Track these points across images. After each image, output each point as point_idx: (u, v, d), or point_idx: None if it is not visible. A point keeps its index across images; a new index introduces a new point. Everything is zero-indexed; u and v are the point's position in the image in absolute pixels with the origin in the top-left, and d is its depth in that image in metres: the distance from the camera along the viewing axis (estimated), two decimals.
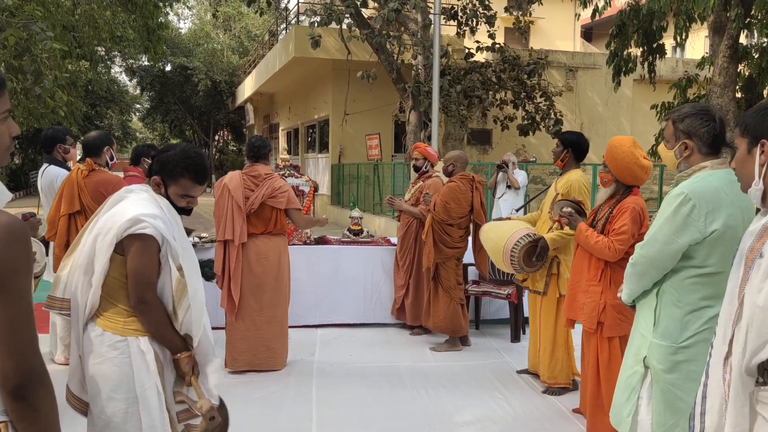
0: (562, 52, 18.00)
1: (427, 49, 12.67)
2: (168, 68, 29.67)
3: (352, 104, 15.36)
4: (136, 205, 2.28)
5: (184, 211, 2.45)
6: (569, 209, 3.79)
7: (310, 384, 4.44)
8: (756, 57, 11.01)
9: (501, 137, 16.31)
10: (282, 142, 23.84)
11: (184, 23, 66.44)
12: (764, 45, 10.67)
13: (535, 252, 4.15)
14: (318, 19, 12.40)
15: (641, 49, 12.14)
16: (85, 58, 14.31)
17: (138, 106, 39.36)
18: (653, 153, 11.31)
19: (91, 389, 2.25)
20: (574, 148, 4.28)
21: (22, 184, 28.94)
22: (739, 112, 9.99)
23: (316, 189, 6.21)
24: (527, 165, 11.06)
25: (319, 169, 19.21)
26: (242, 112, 29.46)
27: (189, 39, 30.79)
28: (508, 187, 8.78)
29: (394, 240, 6.19)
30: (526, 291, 4.66)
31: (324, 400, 4.13)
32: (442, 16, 12.88)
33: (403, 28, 13.29)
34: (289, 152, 22.52)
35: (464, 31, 14.25)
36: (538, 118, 14.74)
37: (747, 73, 11.41)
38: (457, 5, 13.96)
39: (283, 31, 19.47)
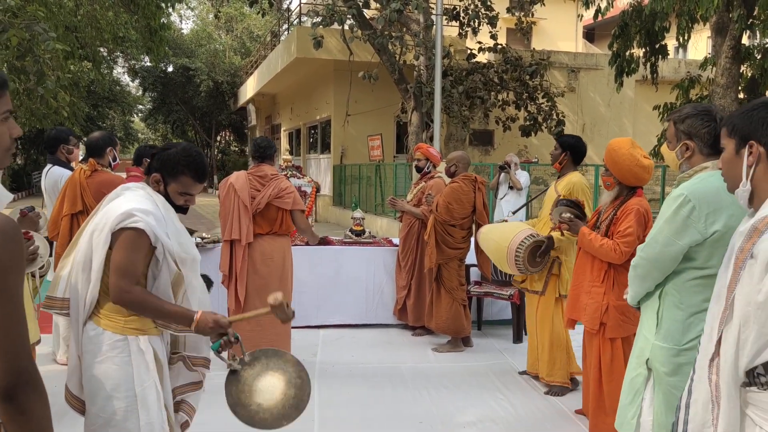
0: (564, 52, 17.99)
1: (429, 49, 12.67)
2: (170, 69, 29.71)
3: (354, 105, 15.36)
4: (130, 201, 2.29)
5: (181, 209, 2.46)
6: (568, 215, 3.78)
7: (313, 384, 4.42)
8: (758, 58, 11.01)
9: (503, 138, 16.31)
10: (284, 143, 23.85)
11: (186, 24, 66.54)
12: (767, 46, 10.66)
13: (538, 252, 4.16)
14: (320, 19, 12.40)
15: (644, 50, 12.13)
16: (87, 58, 14.34)
17: (140, 106, 39.41)
18: (656, 154, 11.31)
19: (91, 388, 2.25)
20: (573, 150, 4.32)
21: (24, 184, 28.99)
22: None
23: (318, 190, 6.23)
24: (529, 166, 11.05)
25: (321, 169, 19.21)
26: (244, 113, 29.48)
27: (191, 40, 30.84)
28: (511, 188, 8.77)
29: (396, 241, 6.19)
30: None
31: (326, 401, 4.14)
32: (444, 17, 12.88)
33: (405, 29, 13.29)
34: (291, 153, 22.51)
35: (466, 31, 14.25)
36: (540, 118, 14.74)
37: (749, 74, 11.40)
38: (460, 6, 13.97)
39: (285, 32, 19.49)
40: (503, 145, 16.40)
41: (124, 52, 23.26)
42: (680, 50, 18.94)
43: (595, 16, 11.91)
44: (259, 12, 16.24)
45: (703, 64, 11.69)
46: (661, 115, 11.93)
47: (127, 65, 30.12)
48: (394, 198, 6.03)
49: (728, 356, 1.50)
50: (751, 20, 10.00)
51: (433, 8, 12.20)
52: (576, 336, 4.40)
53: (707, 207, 2.23)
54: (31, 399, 1.28)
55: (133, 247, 2.22)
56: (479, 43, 14.38)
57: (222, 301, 5.42)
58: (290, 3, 25.47)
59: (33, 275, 3.20)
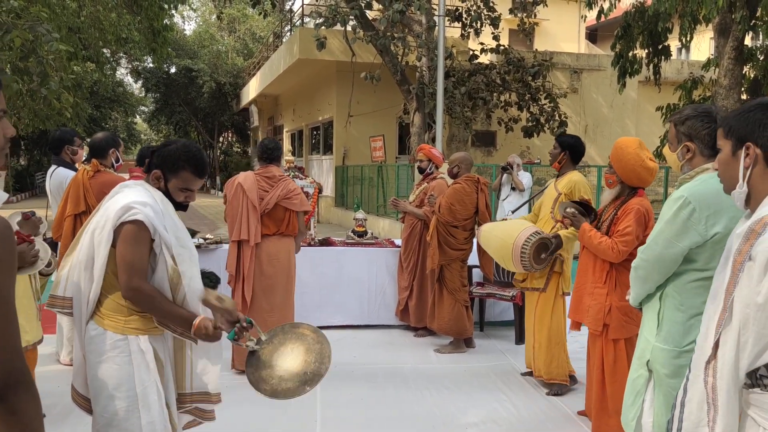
0: (566, 53, 17.97)
1: (431, 50, 12.67)
2: (173, 70, 29.76)
3: (357, 106, 15.37)
4: (127, 196, 2.31)
5: (181, 206, 2.47)
6: (572, 210, 3.79)
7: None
8: (761, 59, 10.99)
9: (505, 139, 16.30)
10: (286, 144, 23.87)
11: (189, 25, 66.66)
12: None
13: (542, 249, 4.17)
14: (323, 20, 12.41)
15: (646, 51, 12.11)
16: (90, 59, 14.38)
17: (143, 108, 39.49)
18: (659, 155, 11.29)
19: (94, 387, 2.27)
20: (572, 150, 4.35)
21: (27, 185, 29.06)
22: None
23: (320, 190, 6.22)
24: (532, 167, 11.05)
25: (323, 170, 19.23)
26: (247, 114, 29.52)
27: (194, 41, 30.90)
28: (513, 188, 8.77)
29: (398, 242, 6.19)
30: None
31: (328, 401, 4.14)
32: (447, 18, 12.89)
33: (407, 30, 13.30)
34: (293, 154, 22.55)
35: (469, 32, 14.25)
36: (542, 119, 14.73)
37: (752, 75, 11.38)
38: (462, 7, 13.96)
39: (288, 33, 19.51)
40: (505, 146, 16.40)
41: (127, 53, 23.30)
42: (683, 51, 18.92)
43: (598, 17, 11.89)
44: (260, 13, 16.24)
45: (706, 65, 11.67)
46: (663, 117, 11.91)
47: (130, 66, 30.19)
48: (396, 199, 6.04)
49: (727, 359, 1.50)
50: (753, 21, 9.99)
51: (435, 9, 12.20)
52: (580, 337, 4.41)
53: (708, 209, 2.23)
54: (23, 399, 1.26)
55: (135, 240, 2.23)
56: (482, 44, 14.37)
57: None
58: (292, 4, 25.50)
59: (34, 276, 3.22)
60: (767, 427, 1.48)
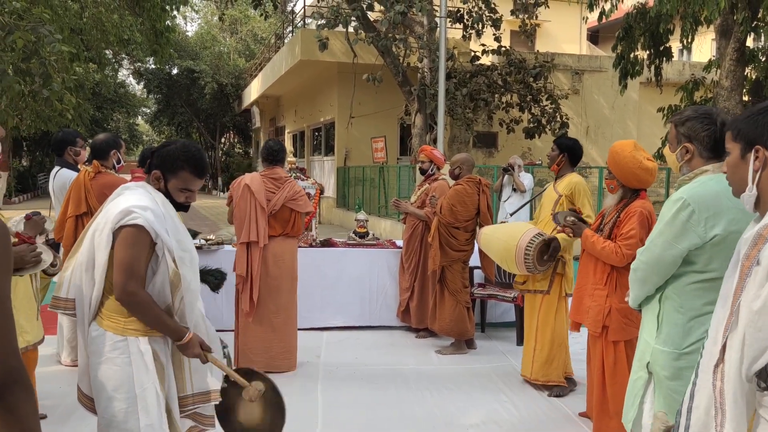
0: (568, 55, 17.97)
1: (432, 52, 12.68)
2: (175, 71, 29.81)
3: (358, 107, 15.38)
4: (128, 199, 2.31)
5: (182, 207, 2.47)
6: (572, 218, 3.81)
7: (316, 386, 4.46)
8: (763, 60, 10.99)
9: (507, 140, 16.30)
10: (288, 145, 23.89)
11: (191, 26, 66.71)
12: None
13: (546, 252, 4.17)
14: (324, 21, 12.43)
15: (648, 52, 12.12)
16: (93, 61, 14.41)
17: (145, 109, 39.54)
18: (660, 156, 11.28)
19: (95, 388, 2.29)
20: (570, 152, 4.38)
21: (29, 186, 29.10)
22: None
23: (321, 192, 6.23)
24: (533, 168, 11.05)
25: (324, 171, 19.24)
26: (248, 115, 29.54)
27: (196, 42, 30.95)
28: (514, 190, 8.77)
29: (399, 243, 6.19)
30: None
31: (329, 402, 4.15)
32: (448, 19, 12.88)
33: (408, 31, 13.30)
34: (295, 155, 22.56)
35: (470, 34, 14.25)
36: (543, 121, 14.73)
37: (754, 76, 11.38)
38: (463, 8, 13.97)
39: (290, 34, 19.53)
40: (507, 147, 16.40)
41: (130, 54, 23.36)
42: (684, 52, 18.91)
43: (599, 18, 11.90)
44: (262, 15, 16.27)
45: (708, 67, 11.67)
46: (665, 118, 11.92)
47: (132, 67, 30.27)
48: (397, 200, 6.04)
49: (733, 362, 1.50)
50: (755, 23, 10.00)
51: (436, 11, 12.21)
52: (581, 338, 4.41)
53: (707, 211, 2.22)
54: (20, 398, 1.26)
55: (134, 243, 2.23)
56: (483, 45, 14.37)
57: (223, 302, 5.44)
58: (294, 5, 25.51)
59: (35, 276, 3.22)
60: None
